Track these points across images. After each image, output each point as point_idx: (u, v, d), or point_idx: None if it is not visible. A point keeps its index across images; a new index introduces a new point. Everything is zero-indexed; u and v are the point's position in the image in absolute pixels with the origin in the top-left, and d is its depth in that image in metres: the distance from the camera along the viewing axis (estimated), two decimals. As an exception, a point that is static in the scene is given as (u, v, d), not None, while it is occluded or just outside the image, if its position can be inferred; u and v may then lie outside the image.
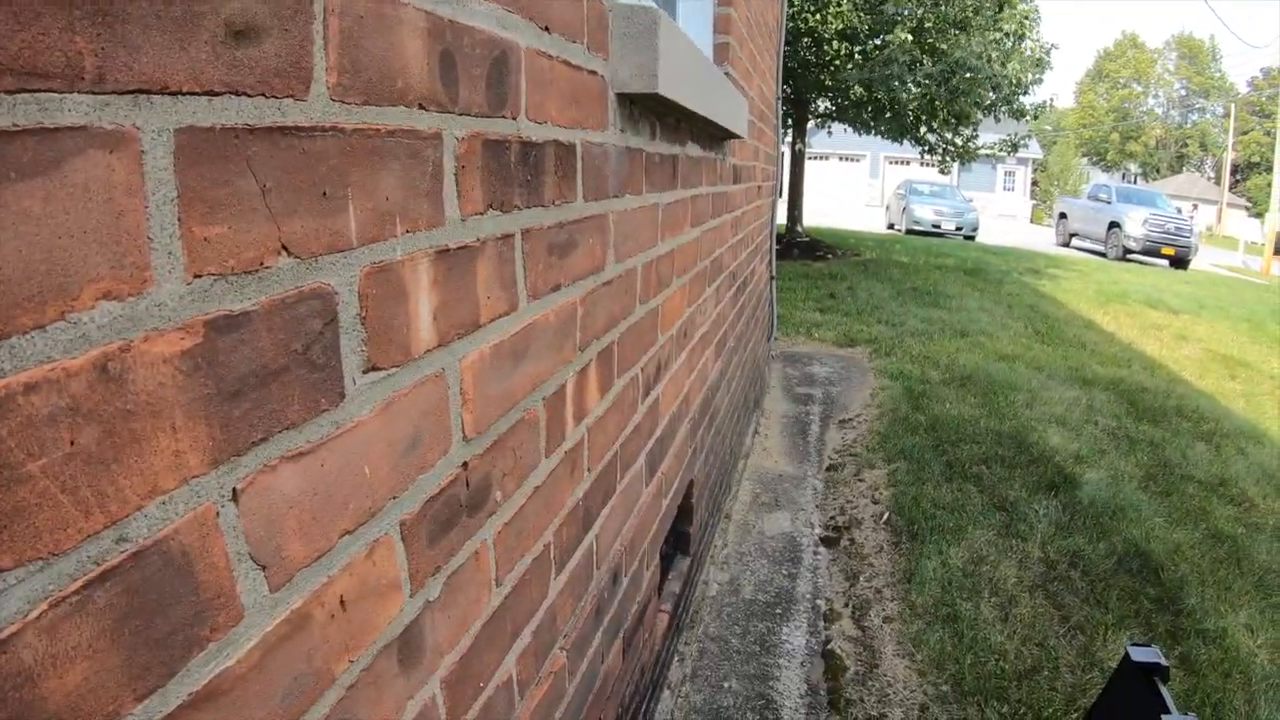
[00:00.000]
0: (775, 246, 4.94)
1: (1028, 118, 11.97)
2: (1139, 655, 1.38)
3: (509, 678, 0.90)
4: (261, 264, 0.46)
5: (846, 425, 3.83)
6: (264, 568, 0.48)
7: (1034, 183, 42.86)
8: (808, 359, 5.13)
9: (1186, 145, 54.09)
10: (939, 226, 17.74)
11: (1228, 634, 2.23)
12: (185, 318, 0.41)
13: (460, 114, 0.68)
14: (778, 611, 2.45)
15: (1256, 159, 46.04)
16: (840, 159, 35.89)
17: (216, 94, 0.43)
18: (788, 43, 8.43)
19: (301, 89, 0.49)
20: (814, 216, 17.44)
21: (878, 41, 9.76)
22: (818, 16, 9.75)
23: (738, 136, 2.30)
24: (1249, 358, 6.16)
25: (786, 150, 10.99)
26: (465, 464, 0.73)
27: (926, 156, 11.74)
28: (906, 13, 9.33)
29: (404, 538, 0.63)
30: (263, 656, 0.48)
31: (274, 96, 0.47)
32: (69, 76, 0.35)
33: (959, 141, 11.46)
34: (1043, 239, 20.45)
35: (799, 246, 10.89)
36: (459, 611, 0.75)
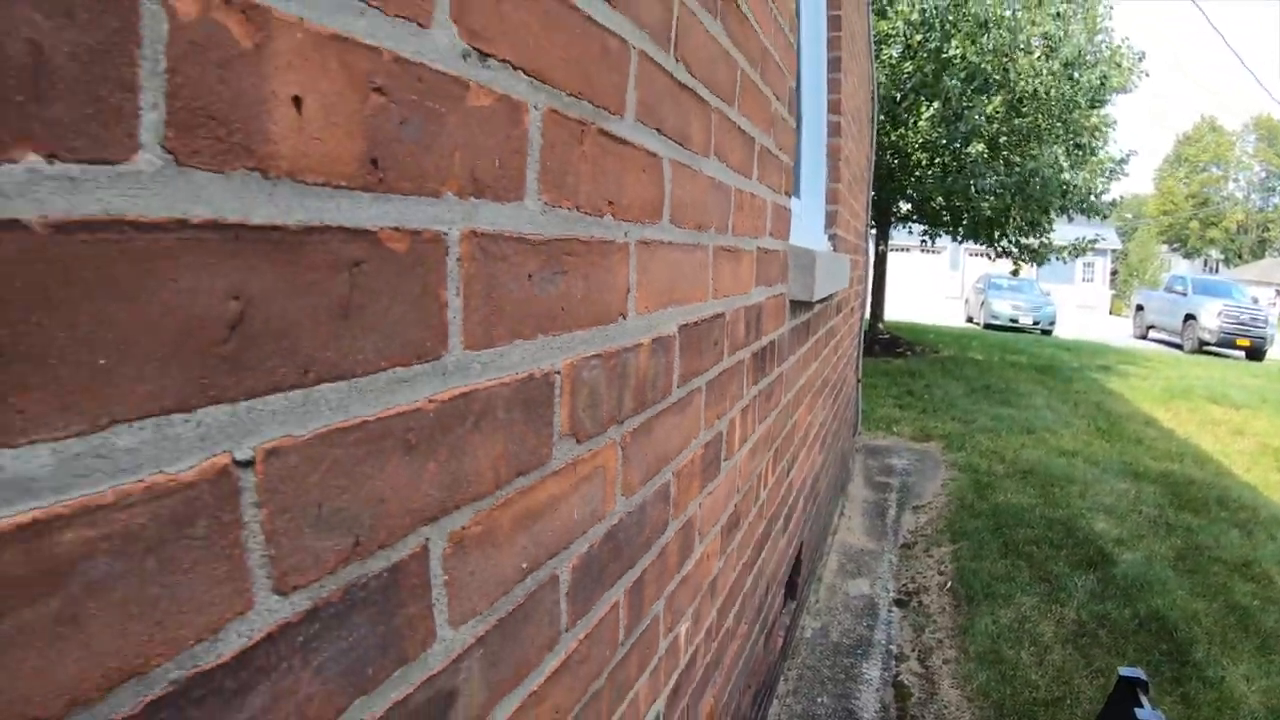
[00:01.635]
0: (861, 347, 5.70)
1: (1100, 216, 12.54)
2: (1126, 672, 2.03)
3: (731, 626, 1.67)
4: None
5: (919, 510, 4.49)
6: (626, 456, 1.28)
7: (1113, 273, 42.54)
8: (887, 451, 5.80)
9: (1268, 229, 52.48)
10: (1016, 321, 18.08)
11: (1226, 680, 2.78)
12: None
13: (747, 348, 1.51)
14: (858, 652, 3.12)
15: (1342, 241, 44.33)
16: (921, 251, 36.46)
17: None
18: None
19: (622, 316, 1.32)
20: (895, 308, 18.03)
21: (956, 145, 10.58)
22: (899, 131, 10.68)
23: (844, 288, 3.12)
24: (1301, 450, 6.44)
25: (870, 247, 11.81)
26: (763, 506, 1.53)
27: (1000, 260, 12.44)
28: (982, 125, 10.15)
29: (721, 536, 1.43)
30: (570, 488, 1.28)
31: (606, 323, 1.30)
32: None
33: (1033, 245, 12.12)
34: (1121, 331, 20.52)
35: (880, 343, 11.55)
36: (734, 572, 1.53)
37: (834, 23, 3.45)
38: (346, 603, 0.49)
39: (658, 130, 0.93)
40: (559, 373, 0.72)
